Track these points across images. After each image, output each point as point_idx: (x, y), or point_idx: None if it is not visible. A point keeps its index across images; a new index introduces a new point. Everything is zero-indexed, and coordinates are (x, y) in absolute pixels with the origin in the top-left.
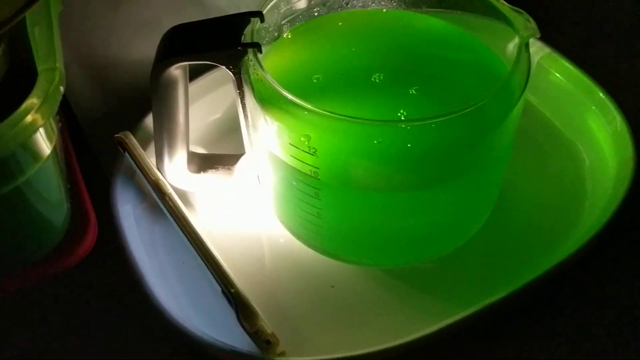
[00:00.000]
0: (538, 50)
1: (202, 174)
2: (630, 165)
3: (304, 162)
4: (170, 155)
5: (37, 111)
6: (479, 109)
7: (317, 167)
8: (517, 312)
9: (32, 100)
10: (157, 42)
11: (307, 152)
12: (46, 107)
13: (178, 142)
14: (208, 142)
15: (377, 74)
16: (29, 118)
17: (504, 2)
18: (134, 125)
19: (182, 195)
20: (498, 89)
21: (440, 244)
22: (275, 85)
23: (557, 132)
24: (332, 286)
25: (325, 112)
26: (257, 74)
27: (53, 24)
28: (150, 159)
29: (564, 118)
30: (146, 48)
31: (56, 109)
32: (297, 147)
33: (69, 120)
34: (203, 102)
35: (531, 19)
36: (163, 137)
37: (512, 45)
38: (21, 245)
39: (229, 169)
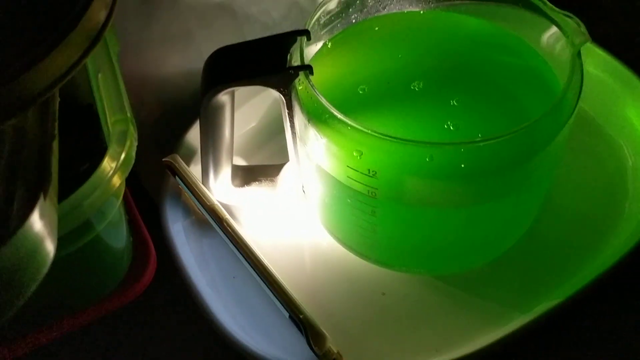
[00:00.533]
0: None
1: (246, 188)
2: None
3: (362, 183)
4: (216, 172)
5: (115, 172)
6: (532, 127)
7: (376, 188)
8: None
9: (108, 163)
10: (191, 56)
11: (366, 175)
12: (124, 167)
13: (223, 160)
14: (246, 151)
15: (422, 81)
16: (107, 181)
17: (553, 6)
18: (172, 141)
19: (230, 210)
20: (552, 106)
21: (490, 250)
22: (330, 108)
23: (598, 128)
24: (383, 293)
25: (381, 135)
26: (311, 96)
27: (115, 67)
28: (199, 178)
29: (605, 113)
30: (181, 62)
31: (132, 163)
32: (355, 170)
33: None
34: (238, 112)
35: (581, 23)
36: (209, 157)
37: (546, 37)
38: (96, 282)
39: (272, 180)
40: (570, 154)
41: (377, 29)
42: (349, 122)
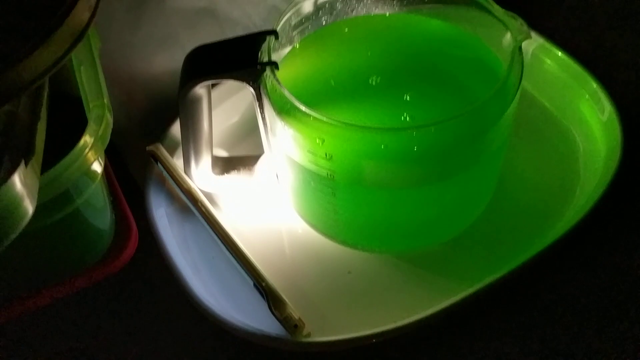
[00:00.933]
0: (532, 40)
1: (225, 176)
2: (618, 151)
3: (321, 167)
4: (197, 161)
5: (91, 148)
6: (477, 110)
7: (333, 170)
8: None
9: (86, 139)
10: (176, 56)
11: (323, 158)
12: (99, 144)
13: (203, 149)
14: (229, 144)
15: (383, 76)
16: (85, 155)
17: (499, 7)
18: (159, 134)
19: (209, 195)
20: (494, 91)
21: (447, 229)
22: (292, 100)
23: (554, 119)
24: (349, 272)
25: (337, 122)
26: (276, 89)
27: (96, 61)
28: (179, 166)
29: (560, 105)
30: (167, 61)
31: (107, 142)
32: (314, 154)
33: None
34: (222, 107)
35: (524, 23)
36: (190, 146)
37: (508, 37)
38: (78, 255)
39: (249, 169)
40: (527, 141)
41: (346, 30)
42: (308, 111)
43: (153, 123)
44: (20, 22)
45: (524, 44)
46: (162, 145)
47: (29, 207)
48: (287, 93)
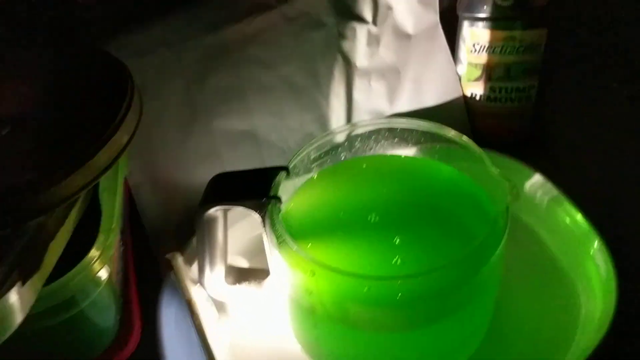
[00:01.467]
0: (548, 191)
1: (237, 286)
2: (612, 308)
3: (304, 299)
4: (211, 271)
5: (96, 260)
6: (458, 262)
7: (314, 305)
8: None
9: (93, 252)
10: (217, 171)
11: (306, 292)
12: (104, 257)
13: (217, 262)
14: (251, 254)
15: (382, 214)
16: (91, 267)
17: (495, 169)
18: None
19: (221, 304)
20: (475, 246)
21: None
22: (285, 235)
23: (561, 269)
24: None
25: (320, 263)
26: (274, 221)
27: (117, 189)
28: (193, 273)
29: (567, 257)
30: (207, 175)
31: (110, 256)
32: (299, 286)
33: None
34: (248, 220)
35: (515, 186)
36: (205, 258)
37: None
38: (78, 351)
39: (259, 282)
40: (533, 288)
41: (363, 166)
42: (295, 249)
43: (187, 229)
44: (62, 147)
45: (543, 191)
46: (186, 250)
47: (17, 319)
48: (280, 228)
